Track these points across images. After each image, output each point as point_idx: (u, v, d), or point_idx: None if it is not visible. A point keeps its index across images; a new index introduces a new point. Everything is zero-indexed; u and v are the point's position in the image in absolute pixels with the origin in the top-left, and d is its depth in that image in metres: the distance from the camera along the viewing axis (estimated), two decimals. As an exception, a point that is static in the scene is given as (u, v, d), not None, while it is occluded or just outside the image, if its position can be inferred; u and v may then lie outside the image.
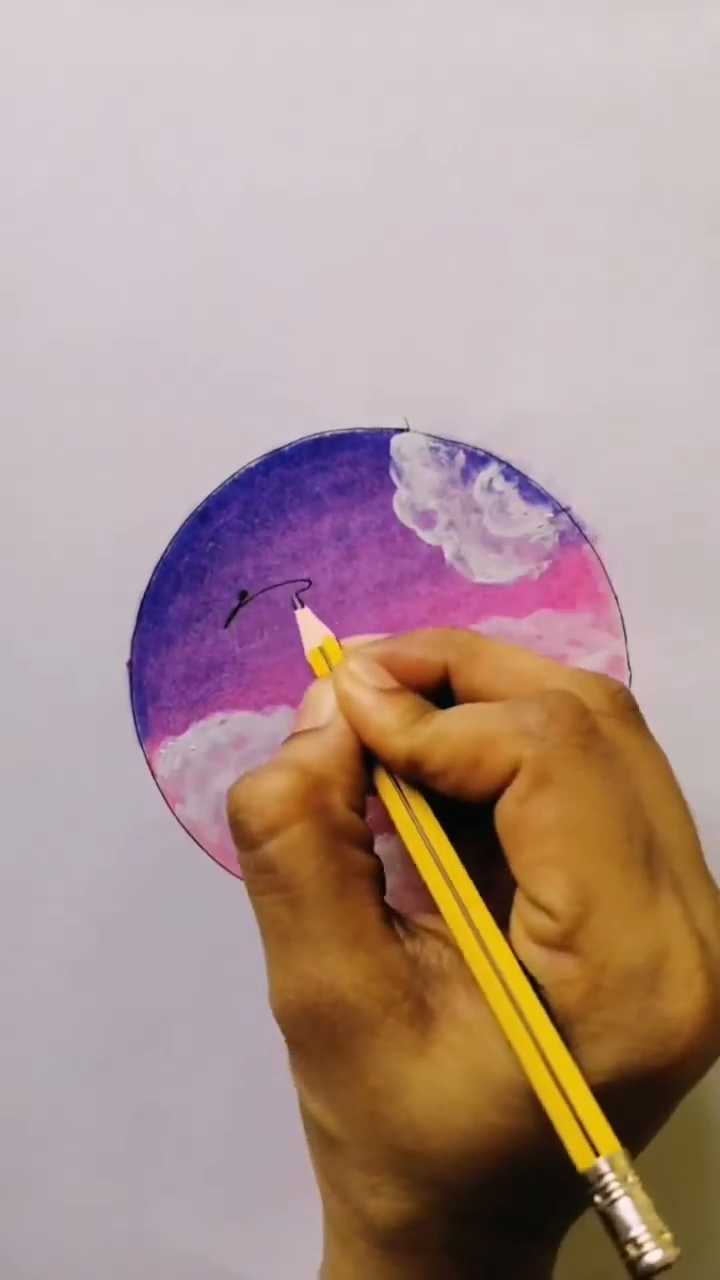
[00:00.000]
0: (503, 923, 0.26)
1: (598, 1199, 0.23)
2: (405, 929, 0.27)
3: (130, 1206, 0.36)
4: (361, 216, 0.34)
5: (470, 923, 0.26)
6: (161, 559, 0.34)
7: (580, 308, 0.35)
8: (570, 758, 0.26)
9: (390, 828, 0.28)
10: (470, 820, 0.27)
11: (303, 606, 0.34)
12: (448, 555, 0.35)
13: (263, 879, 0.26)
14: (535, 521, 0.35)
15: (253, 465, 0.34)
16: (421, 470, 0.35)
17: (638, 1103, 0.25)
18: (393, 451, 0.35)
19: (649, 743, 0.28)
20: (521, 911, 0.25)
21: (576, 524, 0.35)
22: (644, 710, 0.29)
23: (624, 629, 0.35)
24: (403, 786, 0.28)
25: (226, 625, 0.35)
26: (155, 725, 0.35)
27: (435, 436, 0.34)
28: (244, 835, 0.27)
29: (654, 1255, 0.22)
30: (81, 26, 0.34)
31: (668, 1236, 0.23)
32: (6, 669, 0.34)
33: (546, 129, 0.34)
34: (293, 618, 0.34)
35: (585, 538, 0.35)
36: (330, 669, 0.31)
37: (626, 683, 0.35)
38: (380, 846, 0.34)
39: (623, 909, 0.25)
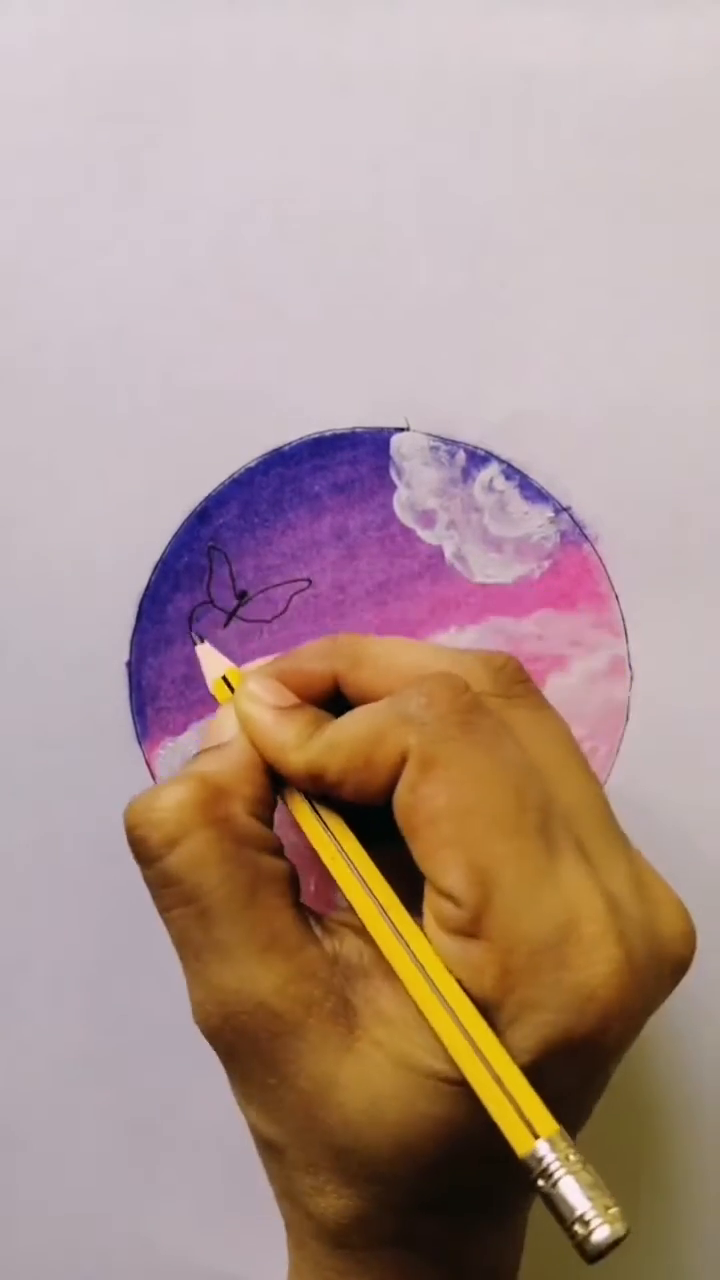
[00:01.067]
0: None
1: (540, 1183, 0.22)
2: (323, 927, 0.27)
3: (129, 1210, 0.35)
4: (362, 216, 0.34)
5: (388, 920, 0.26)
6: (160, 559, 0.34)
7: (581, 307, 0.35)
8: (453, 737, 0.25)
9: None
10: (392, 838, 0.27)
11: (202, 642, 0.34)
12: (448, 555, 0.35)
13: (168, 893, 0.26)
14: (536, 521, 0.35)
15: (252, 464, 0.34)
16: (422, 469, 0.35)
17: (566, 1075, 0.25)
18: (393, 451, 0.34)
19: (541, 711, 0.28)
20: (430, 902, 0.25)
21: (577, 524, 0.35)
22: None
23: (625, 629, 0.35)
24: (313, 801, 0.28)
25: (226, 625, 0.35)
26: (154, 725, 0.35)
27: (435, 435, 0.34)
28: (143, 850, 0.26)
29: (602, 1233, 0.21)
30: (78, 28, 0.34)
31: (614, 1211, 0.22)
32: (5, 669, 0.34)
33: (548, 129, 0.34)
34: (294, 617, 0.34)
35: (586, 537, 0.35)
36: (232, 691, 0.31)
37: (627, 684, 0.35)
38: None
39: (523, 884, 0.24)
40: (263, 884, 0.26)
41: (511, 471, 0.35)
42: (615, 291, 0.35)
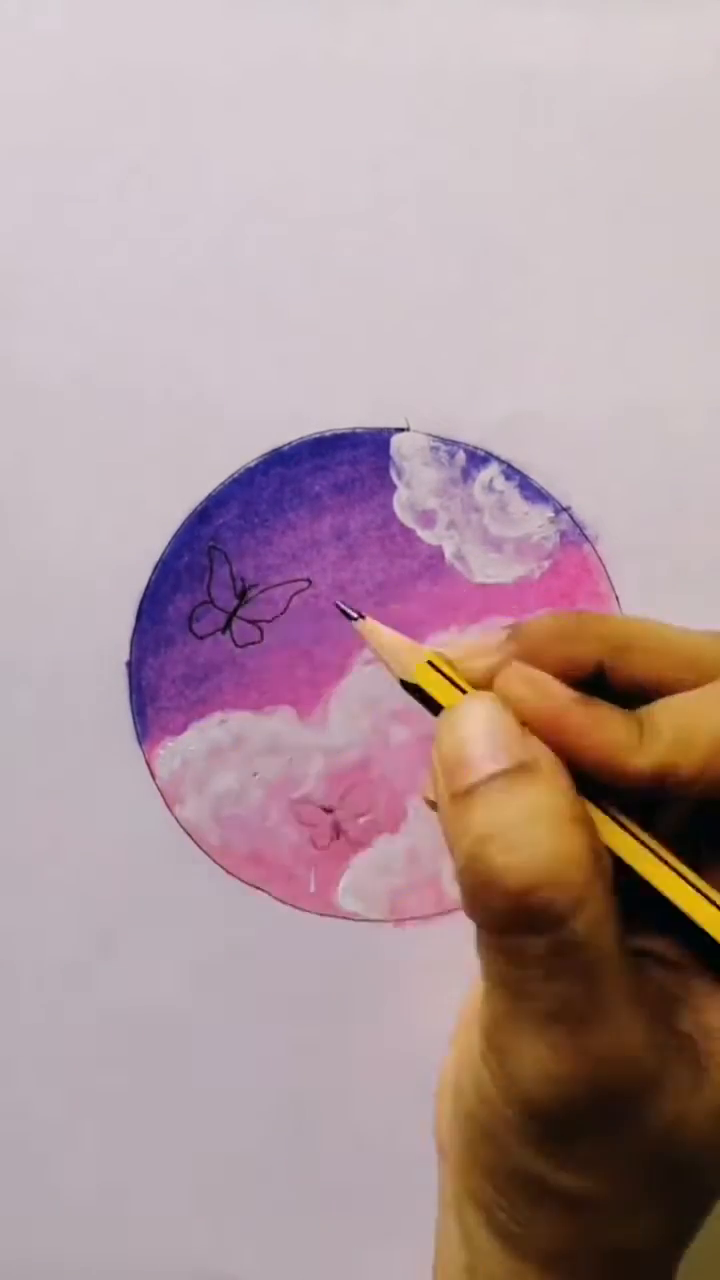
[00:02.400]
0: None
1: None
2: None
3: (128, 1214, 0.35)
4: (362, 217, 0.34)
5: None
6: (160, 559, 0.34)
7: (582, 307, 0.34)
8: None
9: None
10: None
11: (362, 618, 0.28)
12: (448, 555, 0.35)
13: (557, 962, 0.22)
14: (536, 521, 0.35)
15: (252, 464, 0.34)
16: (422, 470, 0.34)
17: None
18: (393, 451, 0.34)
19: None
20: None
21: (577, 524, 0.35)
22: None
23: (625, 629, 0.35)
24: (612, 808, 0.25)
25: (226, 625, 0.34)
26: (154, 725, 0.35)
27: (436, 436, 0.34)
28: (544, 919, 0.22)
29: None
30: (78, 28, 0.34)
31: None
32: (4, 669, 0.34)
33: (548, 129, 0.34)
34: (294, 617, 0.34)
35: (586, 538, 0.35)
36: (451, 683, 0.25)
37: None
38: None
39: None
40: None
41: (511, 472, 0.34)
42: (615, 291, 0.35)
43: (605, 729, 0.24)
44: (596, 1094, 0.23)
